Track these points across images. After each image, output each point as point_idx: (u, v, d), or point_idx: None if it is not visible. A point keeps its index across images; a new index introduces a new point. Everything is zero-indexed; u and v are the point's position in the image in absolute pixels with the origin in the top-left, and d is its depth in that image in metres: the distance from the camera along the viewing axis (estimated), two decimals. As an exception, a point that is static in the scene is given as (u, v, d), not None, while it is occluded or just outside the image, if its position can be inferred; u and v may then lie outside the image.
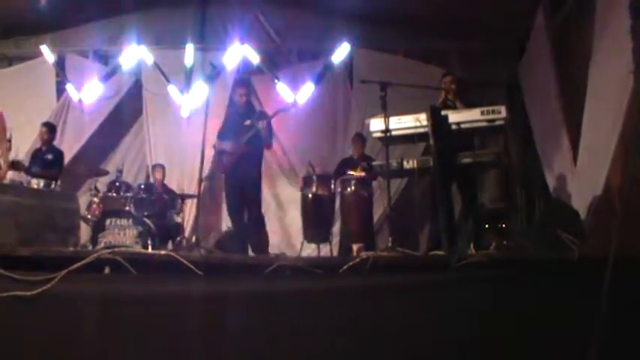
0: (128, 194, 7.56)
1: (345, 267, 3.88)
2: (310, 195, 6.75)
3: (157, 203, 7.77)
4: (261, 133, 6.87)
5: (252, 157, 6.98)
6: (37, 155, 8.14)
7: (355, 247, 6.50)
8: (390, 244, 4.91)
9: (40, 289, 3.41)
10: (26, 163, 7.84)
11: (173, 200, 8.21)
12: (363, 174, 6.96)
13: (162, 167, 8.79)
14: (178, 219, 8.38)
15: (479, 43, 9.22)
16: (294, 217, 8.09)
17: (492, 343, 3.67)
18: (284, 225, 9.16)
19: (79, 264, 3.54)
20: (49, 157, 8.06)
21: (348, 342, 3.64)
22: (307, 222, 6.86)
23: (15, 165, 7.43)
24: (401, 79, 6.20)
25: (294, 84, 9.38)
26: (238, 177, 6.96)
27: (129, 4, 9.55)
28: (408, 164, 5.79)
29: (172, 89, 9.45)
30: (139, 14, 9.83)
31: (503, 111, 5.42)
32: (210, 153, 7.80)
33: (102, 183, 8.13)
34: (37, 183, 6.93)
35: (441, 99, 6.47)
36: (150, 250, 6.37)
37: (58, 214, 4.87)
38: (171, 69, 9.59)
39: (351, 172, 7.06)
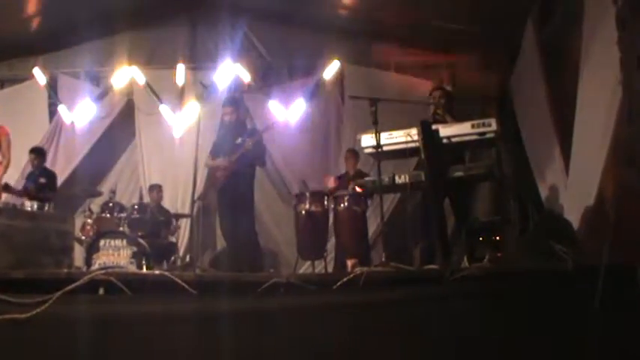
0: (122, 215, 7.58)
1: (339, 283, 3.87)
2: (304, 212, 6.73)
3: (150, 223, 7.76)
4: (250, 153, 6.86)
5: (244, 175, 6.94)
6: (30, 178, 8.17)
7: (350, 262, 6.50)
8: (384, 259, 4.93)
9: (34, 312, 3.38)
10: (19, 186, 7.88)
11: (167, 220, 8.20)
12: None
13: (160, 187, 8.83)
14: (173, 239, 8.38)
15: (469, 57, 9.27)
16: (288, 234, 8.07)
17: (487, 355, 3.67)
18: (278, 242, 9.16)
19: (73, 285, 3.51)
20: (42, 180, 8.07)
21: (343, 358, 3.63)
22: (301, 239, 6.86)
23: (6, 188, 7.45)
24: (391, 94, 6.24)
25: (286, 101, 9.42)
26: (230, 195, 6.91)
27: (120, 25, 9.57)
28: (400, 179, 5.72)
29: (164, 109, 9.48)
30: (130, 35, 9.88)
31: (493, 124, 5.36)
32: (203, 172, 7.81)
33: (96, 204, 8.15)
34: (30, 205, 6.93)
35: (430, 113, 6.50)
36: (144, 270, 6.36)
37: (52, 235, 4.87)
38: (163, 89, 9.64)
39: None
